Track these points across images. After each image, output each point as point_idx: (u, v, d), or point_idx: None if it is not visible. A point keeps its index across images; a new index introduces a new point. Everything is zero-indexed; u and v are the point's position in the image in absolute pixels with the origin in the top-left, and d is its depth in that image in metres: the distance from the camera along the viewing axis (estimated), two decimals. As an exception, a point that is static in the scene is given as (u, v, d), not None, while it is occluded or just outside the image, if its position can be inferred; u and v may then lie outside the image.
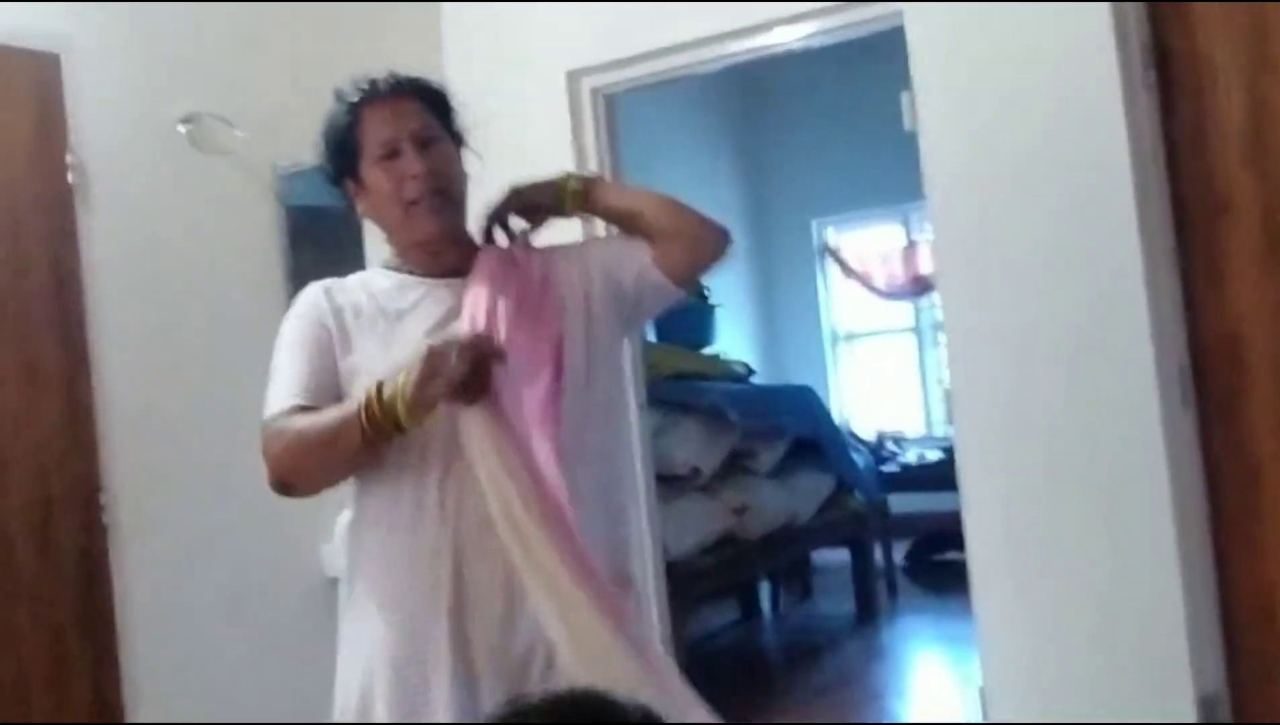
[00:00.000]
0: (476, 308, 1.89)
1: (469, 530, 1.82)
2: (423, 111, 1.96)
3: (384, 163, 1.92)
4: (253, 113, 3.79)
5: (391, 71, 1.99)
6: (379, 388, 1.76)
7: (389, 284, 1.98)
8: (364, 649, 1.89)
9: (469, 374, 1.73)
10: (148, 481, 3.43)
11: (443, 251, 1.97)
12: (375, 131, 1.93)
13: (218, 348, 3.67)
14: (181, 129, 3.59)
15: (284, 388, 1.93)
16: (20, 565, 3.14)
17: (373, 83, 1.98)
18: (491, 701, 1.75)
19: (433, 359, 1.72)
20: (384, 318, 1.93)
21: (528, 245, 2.06)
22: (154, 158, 3.55)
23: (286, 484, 1.92)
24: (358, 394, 1.82)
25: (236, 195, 3.78)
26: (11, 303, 3.19)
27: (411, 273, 1.98)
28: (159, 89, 3.59)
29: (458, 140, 2.02)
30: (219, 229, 3.72)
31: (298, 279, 3.89)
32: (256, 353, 3.74)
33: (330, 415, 1.84)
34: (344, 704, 1.92)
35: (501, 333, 1.86)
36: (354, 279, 2.02)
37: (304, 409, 1.88)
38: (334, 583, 3.84)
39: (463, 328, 1.87)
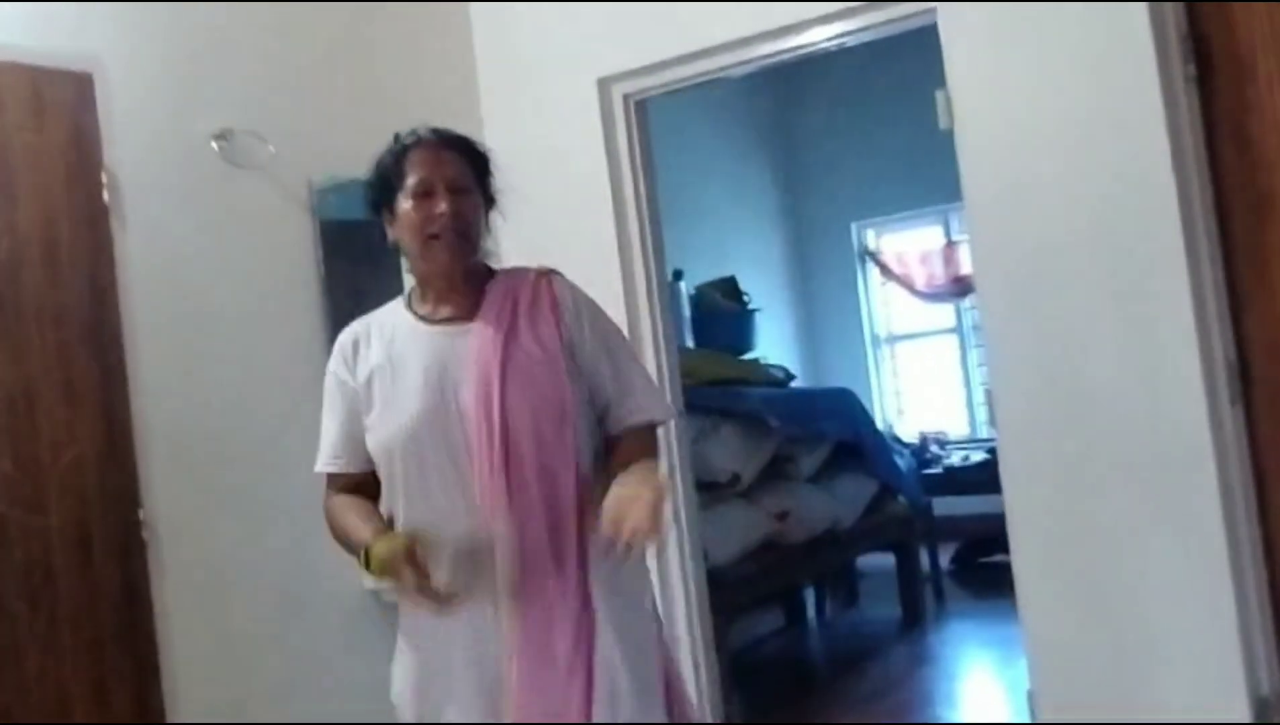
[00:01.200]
0: (485, 360, 2.15)
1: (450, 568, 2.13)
2: (460, 162, 2.23)
3: (417, 199, 2.18)
4: (285, 128, 3.80)
5: (444, 129, 2.28)
6: (369, 550, 2.10)
7: (402, 326, 2.25)
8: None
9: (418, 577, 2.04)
10: (186, 497, 3.44)
11: (451, 287, 2.23)
12: (416, 170, 2.20)
13: (254, 362, 3.68)
14: (214, 145, 3.60)
15: (323, 447, 2.30)
16: (60, 581, 3.15)
17: (425, 131, 2.26)
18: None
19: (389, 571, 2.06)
20: (390, 371, 2.21)
21: (544, 280, 2.27)
22: (187, 174, 3.57)
23: None
24: (371, 445, 2.21)
25: (271, 210, 3.79)
26: (49, 321, 3.21)
27: (420, 317, 2.24)
28: (191, 106, 3.60)
29: (489, 199, 2.28)
30: (254, 244, 3.73)
31: (333, 292, 3.90)
32: (293, 366, 3.77)
33: (350, 527, 2.21)
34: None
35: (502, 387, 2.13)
36: (380, 318, 2.30)
37: (339, 476, 2.29)
38: (374, 594, 3.83)
39: (469, 382, 2.14)
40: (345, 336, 2.31)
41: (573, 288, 2.31)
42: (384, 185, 2.24)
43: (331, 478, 2.30)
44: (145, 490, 3.35)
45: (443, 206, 2.17)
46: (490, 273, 2.29)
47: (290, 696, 3.59)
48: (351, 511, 2.22)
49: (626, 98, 4.19)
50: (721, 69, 4.07)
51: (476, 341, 2.17)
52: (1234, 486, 3.18)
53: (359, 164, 4.01)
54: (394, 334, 2.25)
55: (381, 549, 2.07)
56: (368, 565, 2.09)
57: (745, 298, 7.07)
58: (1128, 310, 3.27)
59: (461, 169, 2.22)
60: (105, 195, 3.34)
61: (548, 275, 2.28)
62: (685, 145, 6.76)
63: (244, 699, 3.49)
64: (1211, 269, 3.21)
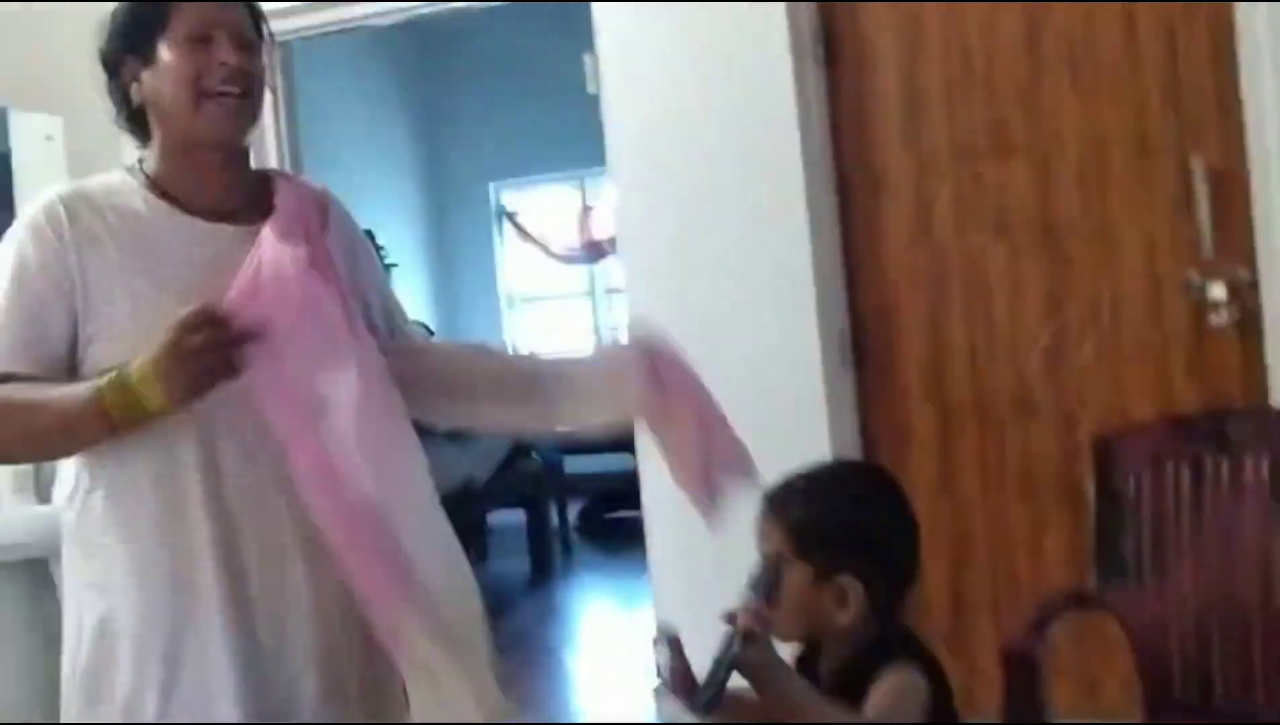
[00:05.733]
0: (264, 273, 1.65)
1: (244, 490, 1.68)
2: (245, 13, 1.79)
3: (192, 44, 1.71)
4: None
5: None
6: (120, 376, 1.57)
7: (140, 207, 1.74)
8: (98, 622, 1.70)
9: (213, 355, 1.56)
10: None
11: (219, 167, 1.77)
12: (190, 11, 1.72)
13: None
14: None
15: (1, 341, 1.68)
16: None
17: None
18: (278, 665, 1.69)
19: (179, 343, 1.54)
20: (130, 266, 1.69)
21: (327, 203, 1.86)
22: None
23: None
24: (94, 365, 1.65)
25: None
26: None
27: (171, 200, 1.75)
28: None
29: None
30: None
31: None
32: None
33: (59, 399, 1.62)
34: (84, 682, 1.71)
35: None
36: (100, 192, 1.75)
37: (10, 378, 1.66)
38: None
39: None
40: (52, 204, 1.72)
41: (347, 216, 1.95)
42: (138, 27, 1.74)
43: None
44: None
45: (231, 57, 1.71)
46: (249, 166, 1.86)
47: None
48: (28, 387, 1.64)
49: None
50: (368, 16, 4.00)
51: (272, 255, 1.68)
52: (842, 442, 3.44)
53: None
54: (128, 216, 1.73)
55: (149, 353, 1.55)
56: (126, 397, 1.56)
57: (382, 253, 6.98)
58: (756, 275, 3.47)
59: (246, 20, 1.78)
60: None
61: (327, 199, 1.88)
62: (325, 93, 6.59)
63: None
64: (831, 243, 3.46)
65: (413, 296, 7.88)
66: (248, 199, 1.78)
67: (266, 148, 4.03)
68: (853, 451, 3.46)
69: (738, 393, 3.49)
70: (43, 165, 3.83)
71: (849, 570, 1.71)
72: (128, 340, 1.63)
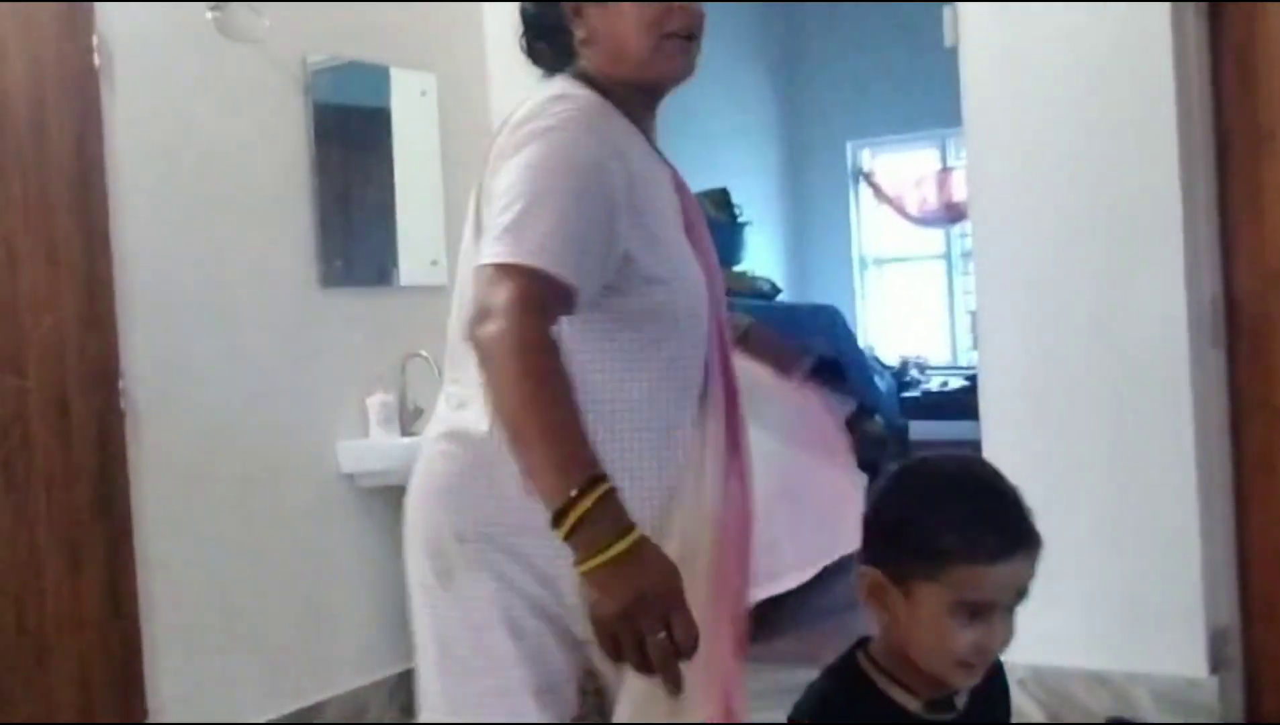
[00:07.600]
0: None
1: None
2: None
3: None
4: (283, 3, 3.72)
5: None
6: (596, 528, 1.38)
7: (633, 140, 1.74)
8: None
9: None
10: (166, 368, 3.43)
11: (651, 109, 1.82)
12: None
13: (239, 237, 3.64)
14: (209, 14, 3.53)
15: (563, 244, 1.51)
16: (37, 448, 3.15)
17: None
18: None
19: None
20: (647, 201, 1.69)
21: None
22: (180, 42, 3.50)
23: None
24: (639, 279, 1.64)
25: (264, 86, 3.73)
26: (33, 184, 3.17)
27: (628, 116, 1.74)
28: (187, -28, 3.53)
29: None
30: (245, 119, 3.67)
31: (323, 176, 3.85)
32: (278, 245, 3.74)
33: (567, 426, 1.42)
34: None
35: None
36: (603, 112, 1.70)
37: (555, 307, 1.50)
38: (349, 478, 3.84)
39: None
40: (597, 116, 1.68)
41: None
42: None
43: (547, 303, 1.48)
44: (125, 359, 3.33)
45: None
46: None
47: (261, 573, 3.61)
48: (570, 399, 1.43)
49: (630, -4, 4.10)
50: (729, -28, 4.01)
51: (685, 191, 1.81)
52: (1209, 426, 3.20)
53: (357, 46, 3.99)
54: (631, 148, 1.72)
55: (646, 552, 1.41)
56: (562, 522, 1.37)
57: (736, 210, 7.03)
58: (1119, 241, 3.27)
59: None
60: (95, 58, 3.28)
61: None
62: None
63: (216, 573, 3.51)
64: (1206, 205, 3.20)
65: (765, 254, 7.91)
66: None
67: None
68: (1220, 437, 3.22)
69: (1093, 367, 3.34)
70: (417, 119, 4.06)
71: None
72: (668, 284, 1.67)
